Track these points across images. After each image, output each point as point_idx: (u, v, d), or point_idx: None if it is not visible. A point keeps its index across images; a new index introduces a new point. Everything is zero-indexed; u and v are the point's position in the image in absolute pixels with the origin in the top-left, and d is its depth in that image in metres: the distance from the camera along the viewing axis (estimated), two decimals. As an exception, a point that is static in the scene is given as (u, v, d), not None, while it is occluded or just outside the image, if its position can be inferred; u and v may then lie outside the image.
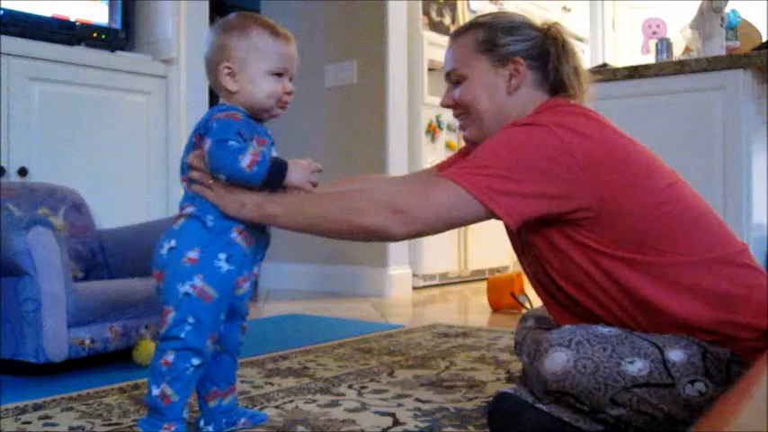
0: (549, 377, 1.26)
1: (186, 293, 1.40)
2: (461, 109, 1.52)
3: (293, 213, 1.42)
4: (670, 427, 1.25)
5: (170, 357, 1.39)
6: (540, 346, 1.30)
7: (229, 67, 1.47)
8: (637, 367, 1.23)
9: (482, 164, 1.32)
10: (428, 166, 4.21)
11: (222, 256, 1.43)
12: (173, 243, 1.43)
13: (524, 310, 3.19)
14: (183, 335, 1.39)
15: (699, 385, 1.23)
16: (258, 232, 1.50)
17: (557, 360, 1.26)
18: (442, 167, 1.67)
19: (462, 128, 1.54)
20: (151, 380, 1.41)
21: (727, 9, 3.03)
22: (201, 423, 1.55)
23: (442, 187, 1.32)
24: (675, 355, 1.25)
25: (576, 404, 1.27)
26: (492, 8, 4.87)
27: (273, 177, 1.41)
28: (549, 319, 1.52)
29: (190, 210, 1.46)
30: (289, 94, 1.51)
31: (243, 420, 1.56)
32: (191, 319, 1.39)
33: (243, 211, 1.41)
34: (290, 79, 1.52)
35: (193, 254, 1.41)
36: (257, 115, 1.51)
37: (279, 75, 1.49)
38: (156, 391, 1.40)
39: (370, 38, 4.07)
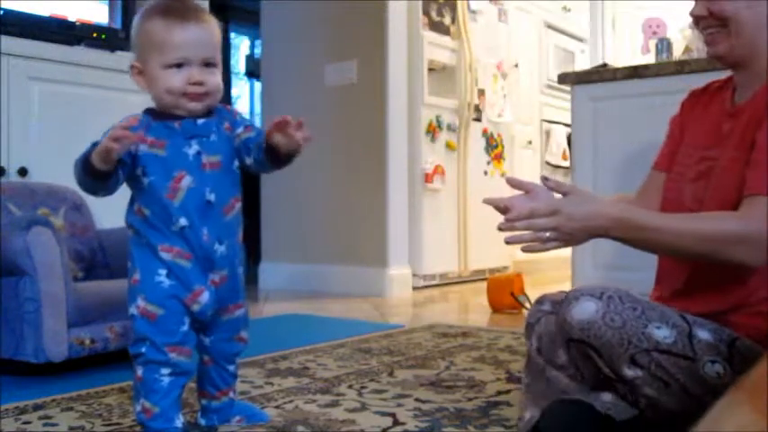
0: (575, 324, 1.25)
1: (132, 315, 1.42)
2: (715, 21, 1.39)
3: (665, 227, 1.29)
4: (681, 397, 1.25)
5: (140, 372, 1.42)
6: (569, 294, 1.29)
7: (135, 66, 1.42)
8: (663, 334, 1.23)
9: None
10: (428, 165, 4.24)
11: (162, 272, 1.41)
12: (129, 264, 1.45)
13: (524, 311, 3.19)
14: (143, 350, 1.41)
15: (717, 367, 1.24)
16: (196, 246, 1.42)
17: (586, 309, 1.25)
18: (659, 163, 1.57)
19: (711, 43, 1.42)
20: (133, 399, 1.45)
21: (728, 9, 3.02)
22: (198, 415, 1.58)
23: (763, 206, 1.22)
24: (703, 334, 1.25)
25: (594, 357, 1.27)
26: (492, 8, 4.88)
27: (83, 165, 1.36)
28: None
29: (130, 231, 1.46)
30: (196, 84, 1.38)
31: (237, 418, 1.56)
32: (144, 338, 1.41)
33: (606, 233, 1.29)
34: (206, 65, 1.39)
35: (137, 275, 1.42)
36: (172, 113, 1.42)
37: (178, 66, 1.38)
38: (138, 407, 1.43)
39: (370, 38, 4.07)
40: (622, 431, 1.29)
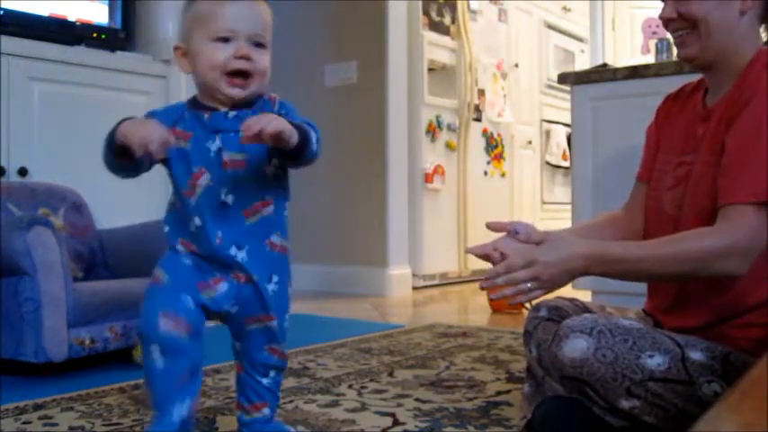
0: (567, 362, 1.25)
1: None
2: (685, 23, 1.38)
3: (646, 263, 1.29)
4: (680, 421, 1.25)
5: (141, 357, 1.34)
6: (559, 330, 1.29)
7: (178, 47, 1.33)
8: (656, 362, 1.23)
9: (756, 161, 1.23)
10: (428, 165, 4.24)
11: (184, 257, 1.34)
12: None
13: (525, 311, 3.19)
14: (141, 321, 1.30)
15: (714, 386, 1.24)
16: (206, 249, 1.32)
17: (576, 346, 1.25)
18: (641, 174, 1.58)
19: (681, 45, 1.41)
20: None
21: (728, 9, 3.02)
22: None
23: (740, 215, 1.22)
24: (696, 355, 1.25)
25: (589, 393, 1.27)
26: (492, 8, 4.88)
27: (109, 154, 1.25)
28: (562, 310, 1.51)
29: (165, 228, 1.38)
30: (243, 58, 1.26)
31: None
32: (144, 301, 1.30)
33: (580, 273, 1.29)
34: (257, 45, 1.29)
35: (158, 271, 1.35)
36: (209, 102, 1.32)
37: (225, 40, 1.27)
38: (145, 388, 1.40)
39: (370, 38, 4.07)
40: None
